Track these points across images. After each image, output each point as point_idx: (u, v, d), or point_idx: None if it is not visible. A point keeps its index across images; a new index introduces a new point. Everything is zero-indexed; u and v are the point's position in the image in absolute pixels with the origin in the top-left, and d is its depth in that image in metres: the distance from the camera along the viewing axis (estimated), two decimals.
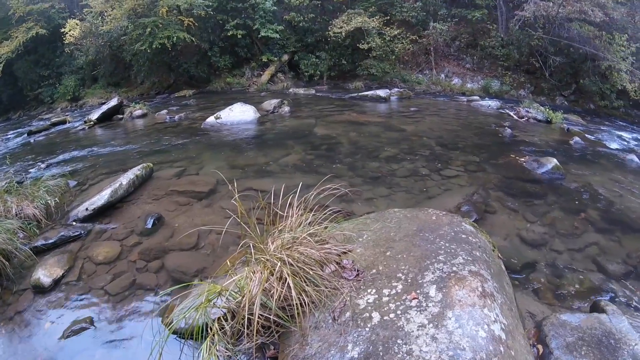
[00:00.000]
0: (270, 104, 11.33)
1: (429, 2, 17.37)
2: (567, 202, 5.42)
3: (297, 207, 3.28)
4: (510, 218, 4.78)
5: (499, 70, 16.19)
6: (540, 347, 2.75)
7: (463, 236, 3.01)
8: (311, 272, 2.53)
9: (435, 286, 2.45)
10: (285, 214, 3.18)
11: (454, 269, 2.58)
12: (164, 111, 11.90)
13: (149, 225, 4.63)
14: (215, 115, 10.09)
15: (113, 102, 12.49)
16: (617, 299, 3.60)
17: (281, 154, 7.06)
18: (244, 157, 7.04)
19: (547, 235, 4.52)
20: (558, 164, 6.35)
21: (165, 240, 4.38)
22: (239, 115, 10.17)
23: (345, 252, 3.11)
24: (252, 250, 2.74)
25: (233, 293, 2.54)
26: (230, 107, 10.37)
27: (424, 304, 2.33)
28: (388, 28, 16.22)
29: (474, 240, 3.00)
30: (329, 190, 3.33)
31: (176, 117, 11.21)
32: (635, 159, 8.16)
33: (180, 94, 16.25)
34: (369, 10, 16.87)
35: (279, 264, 2.47)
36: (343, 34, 15.74)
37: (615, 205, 5.58)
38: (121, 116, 12.06)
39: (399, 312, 2.32)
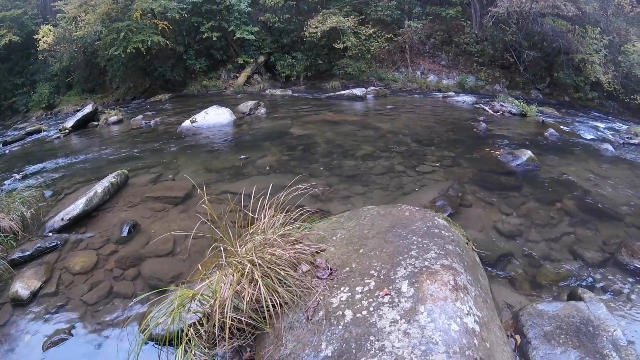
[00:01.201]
0: (246, 105, 11.25)
1: (403, 1, 17.52)
2: (543, 193, 5.49)
3: (269, 209, 3.28)
4: (485, 211, 4.82)
5: (474, 66, 16.40)
6: (517, 337, 2.78)
7: (436, 230, 3.02)
8: (282, 273, 2.50)
9: (407, 281, 2.45)
10: (257, 216, 3.16)
11: (426, 263, 2.58)
12: (140, 116, 11.72)
13: (125, 233, 4.58)
14: (191, 119, 9.99)
15: (88, 109, 12.19)
16: (595, 287, 3.67)
17: (257, 155, 7.02)
18: (220, 161, 6.99)
19: (523, 226, 4.58)
20: (533, 155, 6.44)
21: (141, 248, 4.33)
22: (214, 118, 10.08)
23: (318, 252, 3.11)
24: (224, 254, 2.70)
25: (206, 297, 2.50)
26: (205, 110, 10.28)
27: (396, 300, 2.32)
28: (363, 27, 16.27)
29: (446, 234, 3.01)
30: (301, 190, 3.32)
31: (152, 122, 11.05)
32: (610, 148, 8.32)
33: (156, 99, 16.02)
34: (343, 10, 16.89)
35: (249, 265, 2.43)
36: (319, 34, 15.73)
37: (591, 195, 5.68)
38: (96, 123, 11.81)
39: (371, 309, 2.31)
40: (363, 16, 16.93)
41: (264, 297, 2.31)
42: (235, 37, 16.87)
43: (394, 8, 17.31)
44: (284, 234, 3.05)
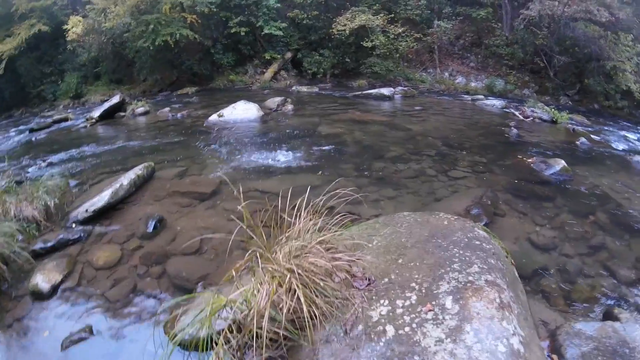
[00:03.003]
0: (273, 101, 11.21)
1: (433, 0, 17.23)
2: (576, 205, 5.32)
3: (305, 212, 3.14)
4: (519, 221, 4.67)
5: (503, 69, 16.06)
6: (555, 357, 2.68)
7: (477, 242, 2.91)
8: (321, 283, 2.42)
9: (451, 297, 2.36)
10: (292, 219, 3.04)
11: (470, 278, 2.48)
12: (167, 109, 11.78)
13: (150, 229, 4.51)
14: (218, 113, 9.98)
15: (115, 99, 12.31)
16: (629, 306, 3.52)
17: (284, 153, 6.95)
18: (247, 157, 6.92)
19: (557, 239, 4.42)
20: (566, 165, 6.25)
21: (167, 244, 4.26)
22: (242, 113, 10.05)
23: (354, 260, 3.01)
24: (259, 260, 2.63)
25: (240, 305, 2.44)
26: (233, 105, 10.25)
27: (441, 317, 2.23)
28: (392, 26, 16.04)
29: (488, 247, 2.90)
30: (339, 195, 3.19)
31: (179, 114, 11.10)
32: None
33: (182, 92, 16.09)
34: (373, 8, 16.71)
35: (288, 275, 2.36)
36: (347, 31, 15.61)
37: (623, 208, 5.48)
38: (123, 114, 11.89)
39: (414, 325, 2.22)
40: (392, 15, 16.71)
41: (304, 309, 2.23)
42: (263, 33, 16.88)
43: (423, 7, 17.07)
44: (322, 240, 2.92)
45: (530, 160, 6.55)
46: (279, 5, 17.03)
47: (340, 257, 2.86)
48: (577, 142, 8.55)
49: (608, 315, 3.15)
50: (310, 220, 3.05)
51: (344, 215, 3.14)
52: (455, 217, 3.38)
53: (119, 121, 11.37)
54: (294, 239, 2.79)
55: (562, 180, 6.03)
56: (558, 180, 6.01)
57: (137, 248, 4.22)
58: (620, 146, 9.69)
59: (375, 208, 4.89)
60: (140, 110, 11.90)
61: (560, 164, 6.22)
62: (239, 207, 2.76)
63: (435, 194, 5.27)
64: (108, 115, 11.72)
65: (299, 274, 2.32)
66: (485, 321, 2.16)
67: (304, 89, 15.10)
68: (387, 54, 15.86)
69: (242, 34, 16.54)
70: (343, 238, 3.14)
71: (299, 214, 3.09)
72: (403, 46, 15.92)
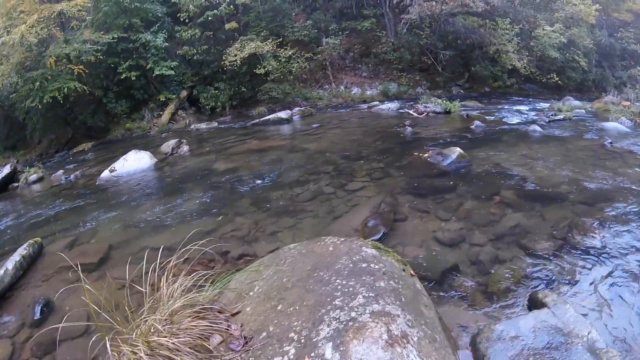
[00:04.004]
0: (168, 145, 10.51)
1: (318, 20, 17.58)
2: (479, 189, 5.24)
3: (177, 268, 2.80)
4: (423, 221, 4.43)
5: (395, 73, 16.69)
6: None
7: (364, 265, 2.53)
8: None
9: (331, 344, 1.94)
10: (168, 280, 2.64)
11: (353, 314, 2.07)
12: (60, 172, 10.66)
13: (37, 315, 3.93)
14: (109, 168, 9.16)
15: (6, 170, 10.94)
16: (554, 282, 3.36)
17: (179, 200, 6.37)
18: (139, 212, 6.29)
19: (465, 229, 4.24)
20: (462, 152, 6.22)
21: (56, 330, 3.63)
22: (134, 164, 9.28)
23: (234, 314, 2.55)
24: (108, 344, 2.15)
25: None
26: (124, 156, 9.48)
27: None
28: (282, 50, 16.06)
29: (376, 267, 2.53)
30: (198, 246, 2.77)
31: (71, 176, 10.04)
32: (538, 128, 8.39)
33: (79, 149, 14.80)
34: (261, 35, 16.60)
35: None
36: (238, 61, 15.39)
37: (528, 179, 5.53)
38: (17, 184, 10.61)
39: None
40: (281, 39, 16.75)
41: None
42: (154, 74, 16.09)
43: (310, 27, 17.32)
44: (190, 301, 2.49)
45: (426, 155, 6.46)
46: (167, 44, 16.35)
47: (212, 316, 2.46)
48: (472, 126, 8.73)
49: (533, 303, 2.90)
50: (186, 278, 2.65)
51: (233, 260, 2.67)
52: (342, 239, 2.98)
53: (12, 193, 10.10)
54: (162, 306, 2.37)
55: (460, 167, 5.97)
56: (456, 168, 5.94)
57: (28, 339, 3.65)
58: (515, 120, 10.14)
59: (273, 242, 4.45)
60: (34, 177, 10.62)
61: (456, 152, 6.17)
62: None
63: (335, 212, 4.91)
64: (0, 189, 10.37)
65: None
66: None
67: (203, 125, 14.50)
68: (282, 77, 15.81)
69: (133, 78, 15.61)
70: (226, 289, 2.82)
71: (171, 273, 2.71)
72: (296, 67, 15.95)
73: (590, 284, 3.32)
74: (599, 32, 19.88)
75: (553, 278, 3.40)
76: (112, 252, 4.95)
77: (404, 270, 2.71)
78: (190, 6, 16.26)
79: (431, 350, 2.02)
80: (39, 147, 16.68)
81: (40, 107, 13.81)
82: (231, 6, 16.39)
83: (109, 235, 5.51)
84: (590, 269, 3.50)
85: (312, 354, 1.92)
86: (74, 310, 3.86)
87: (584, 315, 2.78)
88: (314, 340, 2.01)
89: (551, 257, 3.69)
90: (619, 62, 21.00)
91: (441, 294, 3.25)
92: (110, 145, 14.74)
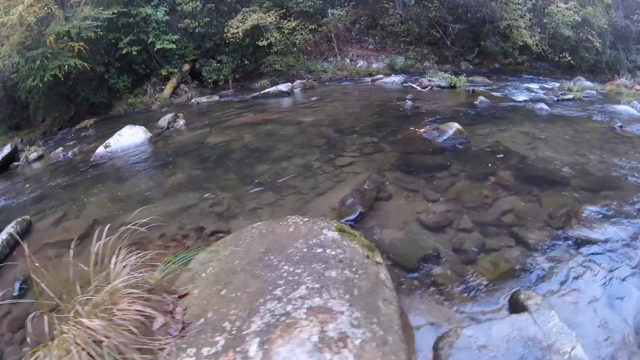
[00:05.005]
0: (165, 120, 10.35)
1: None
2: (474, 168, 4.93)
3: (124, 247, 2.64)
4: (408, 201, 4.15)
5: (402, 47, 16.12)
6: None
7: (318, 251, 2.30)
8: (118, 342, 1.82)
9: (258, 340, 1.72)
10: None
11: (289, 308, 1.85)
12: (59, 149, 10.65)
13: (16, 291, 4.00)
14: (104, 144, 9.07)
15: (6, 149, 11.01)
16: (544, 278, 3.04)
17: (166, 175, 6.23)
18: (127, 187, 6.18)
19: (452, 212, 3.93)
20: (460, 127, 5.88)
21: (31, 305, 3.61)
22: (128, 139, 9.18)
23: (181, 296, 2.36)
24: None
25: None
26: (119, 132, 9.39)
27: None
28: (285, 21, 15.51)
29: (332, 253, 2.29)
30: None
31: (69, 153, 9.98)
32: (545, 107, 8.00)
33: (81, 126, 14.72)
34: (263, 6, 16.06)
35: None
36: (241, 33, 14.88)
37: (529, 160, 5.18)
38: (17, 163, 10.67)
39: None
40: (284, 10, 16.16)
41: None
42: (156, 49, 15.70)
43: None
44: (130, 284, 2.30)
45: (422, 130, 6.11)
46: (168, 17, 15.91)
47: (158, 297, 2.29)
48: (476, 102, 8.35)
49: (514, 305, 2.61)
50: (139, 256, 2.54)
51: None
52: (306, 219, 2.76)
53: (13, 172, 10.16)
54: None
55: (457, 144, 5.65)
56: (453, 145, 5.62)
57: (6, 314, 3.73)
58: (522, 97, 9.70)
59: (251, 219, 4.22)
60: (34, 156, 10.67)
61: (454, 127, 5.83)
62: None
63: (319, 189, 4.65)
64: (2, 169, 10.41)
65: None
66: None
67: (204, 99, 14.22)
68: (285, 49, 15.31)
69: (135, 53, 15.28)
70: (184, 270, 2.62)
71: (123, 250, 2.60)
72: (299, 39, 15.42)
73: (585, 284, 2.99)
74: (615, 13, 18.96)
75: (542, 275, 3.09)
76: (95, 228, 4.80)
77: (368, 257, 2.46)
78: None
79: (376, 356, 1.76)
80: (43, 126, 16.58)
81: (41, 85, 13.64)
82: None
83: (95, 211, 5.42)
84: (586, 267, 3.17)
85: (238, 349, 1.72)
86: (53, 286, 3.81)
87: (572, 323, 2.46)
88: (244, 333, 1.81)
89: (544, 250, 3.37)
90: (634, 45, 20.14)
91: (415, 284, 2.97)
92: (112, 121, 14.61)
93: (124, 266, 2.48)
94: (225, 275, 2.33)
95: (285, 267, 2.16)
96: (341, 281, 2.05)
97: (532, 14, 16.09)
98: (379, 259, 2.56)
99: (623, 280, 3.03)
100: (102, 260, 2.55)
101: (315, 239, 2.40)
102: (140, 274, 2.41)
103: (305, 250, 2.29)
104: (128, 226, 2.81)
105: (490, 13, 15.43)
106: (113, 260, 2.53)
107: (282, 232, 2.60)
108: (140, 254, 2.60)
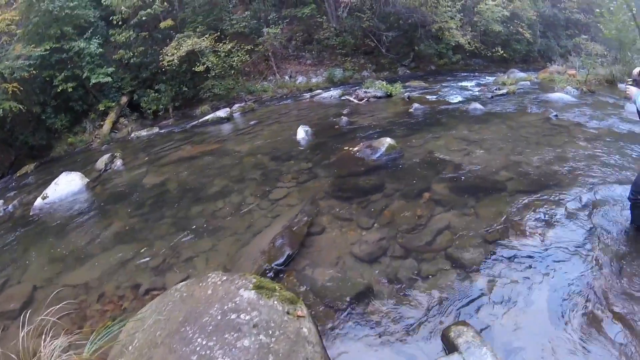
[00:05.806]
0: (102, 161, 9.88)
1: (257, 9, 16.96)
2: (408, 185, 4.95)
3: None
4: (342, 232, 4.11)
5: (339, 59, 16.39)
6: None
7: (232, 317, 2.23)
8: None
9: None
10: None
11: None
12: (0, 202, 9.90)
13: None
14: (42, 194, 8.55)
15: None
16: (481, 304, 2.91)
17: (103, 226, 5.96)
18: (65, 243, 5.83)
19: (386, 239, 3.88)
20: (392, 142, 5.92)
21: None
22: (65, 187, 8.70)
23: None
24: None
25: None
26: (55, 181, 8.86)
27: None
28: (221, 44, 15.38)
29: (246, 318, 2.23)
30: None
31: (9, 206, 9.30)
32: (479, 106, 8.16)
33: (21, 172, 13.79)
34: (197, 31, 15.84)
35: None
36: (177, 60, 14.61)
37: (464, 168, 5.19)
38: None
39: None
40: (219, 33, 16.01)
41: None
42: (92, 83, 15.13)
43: (249, 18, 16.66)
44: None
45: (356, 148, 6.13)
46: (102, 50, 15.37)
47: None
48: (411, 110, 8.44)
49: (446, 343, 2.47)
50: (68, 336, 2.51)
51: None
52: (225, 278, 2.68)
53: None
54: None
55: (390, 160, 5.69)
56: (386, 162, 5.65)
57: None
58: (457, 99, 9.87)
59: (185, 270, 4.13)
60: None
61: (385, 143, 5.87)
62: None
63: (254, 227, 4.56)
64: None
65: None
66: None
67: (144, 132, 13.78)
68: (223, 72, 15.19)
69: (70, 90, 14.69)
70: (114, 342, 2.56)
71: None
72: (236, 61, 15.33)
73: (525, 302, 2.85)
74: (542, 3, 20.14)
75: (479, 299, 2.95)
76: (35, 294, 4.61)
77: (288, 312, 2.38)
78: (123, 7, 15.32)
79: None
80: None
81: None
82: (165, 3, 15.61)
83: (36, 271, 5.16)
84: (527, 281, 3.03)
85: None
86: None
87: (513, 350, 2.41)
88: None
89: (481, 269, 3.25)
90: (563, 31, 21.39)
91: (348, 326, 2.87)
92: (53, 164, 13.90)
93: (53, 349, 2.42)
94: (148, 349, 2.26)
95: (199, 339, 2.09)
96: (254, 350, 1.98)
97: (462, 14, 16.79)
98: (301, 312, 2.49)
99: (568, 288, 2.93)
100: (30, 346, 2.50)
101: (231, 302, 2.32)
102: (68, 356, 2.40)
103: (219, 318, 2.21)
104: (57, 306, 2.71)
105: (422, 18, 15.92)
106: (42, 344, 2.46)
107: (201, 295, 2.51)
108: (70, 334, 2.55)
